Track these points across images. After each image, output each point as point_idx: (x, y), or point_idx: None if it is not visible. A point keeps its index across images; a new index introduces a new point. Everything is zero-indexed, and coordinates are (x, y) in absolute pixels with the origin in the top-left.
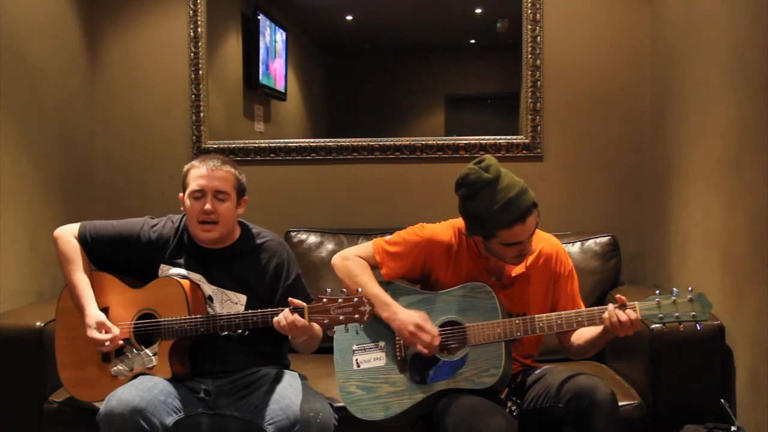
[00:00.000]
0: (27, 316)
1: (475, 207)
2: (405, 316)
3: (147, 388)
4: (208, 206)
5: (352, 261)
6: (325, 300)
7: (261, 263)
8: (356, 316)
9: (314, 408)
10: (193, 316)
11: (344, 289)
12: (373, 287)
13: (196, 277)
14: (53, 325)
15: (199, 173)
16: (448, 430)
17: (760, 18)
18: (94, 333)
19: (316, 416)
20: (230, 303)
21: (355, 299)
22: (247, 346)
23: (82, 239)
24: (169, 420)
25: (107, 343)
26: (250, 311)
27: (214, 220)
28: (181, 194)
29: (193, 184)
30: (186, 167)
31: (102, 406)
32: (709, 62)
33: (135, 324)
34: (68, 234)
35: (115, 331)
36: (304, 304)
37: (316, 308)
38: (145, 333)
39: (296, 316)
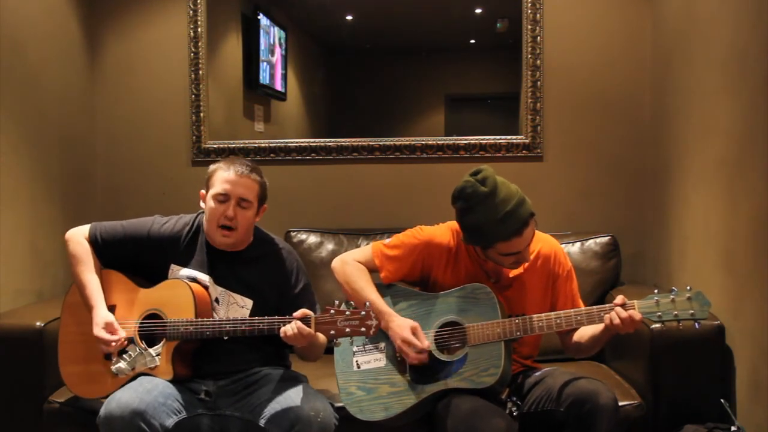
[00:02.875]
0: (27, 316)
1: (473, 220)
2: (396, 327)
3: (147, 390)
4: (230, 212)
5: (350, 266)
6: (332, 311)
7: (271, 270)
8: (362, 329)
9: (315, 407)
10: (199, 320)
11: (352, 302)
12: (369, 293)
13: (205, 278)
14: (53, 325)
15: (226, 177)
16: (448, 430)
17: (760, 18)
18: (101, 332)
19: (316, 415)
20: (236, 306)
21: (363, 312)
22: (248, 347)
23: (93, 240)
24: (170, 422)
25: (112, 344)
26: (257, 318)
27: (233, 227)
28: (203, 191)
29: (218, 187)
30: (213, 167)
31: (102, 409)
32: (709, 62)
33: (140, 323)
34: (79, 235)
35: (122, 333)
36: (312, 313)
37: (323, 319)
38: (149, 333)
39: (301, 325)
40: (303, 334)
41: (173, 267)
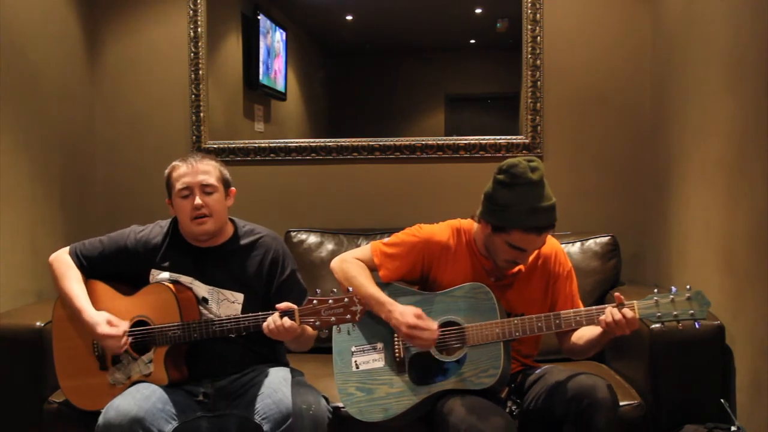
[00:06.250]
0: (27, 316)
1: (506, 198)
2: (400, 314)
3: (145, 397)
4: (198, 201)
5: (349, 263)
6: (315, 302)
7: (257, 259)
8: (348, 316)
9: (307, 401)
10: (185, 322)
11: (335, 289)
12: (369, 287)
13: (187, 280)
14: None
15: (182, 172)
16: (448, 430)
17: (760, 17)
18: (105, 329)
19: (308, 409)
20: (227, 302)
21: (346, 299)
22: (243, 347)
23: (74, 261)
24: (168, 428)
25: (120, 338)
26: (241, 315)
27: (206, 214)
28: (167, 199)
29: (178, 185)
30: (167, 171)
31: (100, 417)
32: (710, 61)
33: (129, 332)
34: (62, 254)
35: (123, 325)
36: (294, 306)
37: (306, 310)
38: (139, 340)
39: (285, 319)
40: (286, 327)
41: (153, 272)
